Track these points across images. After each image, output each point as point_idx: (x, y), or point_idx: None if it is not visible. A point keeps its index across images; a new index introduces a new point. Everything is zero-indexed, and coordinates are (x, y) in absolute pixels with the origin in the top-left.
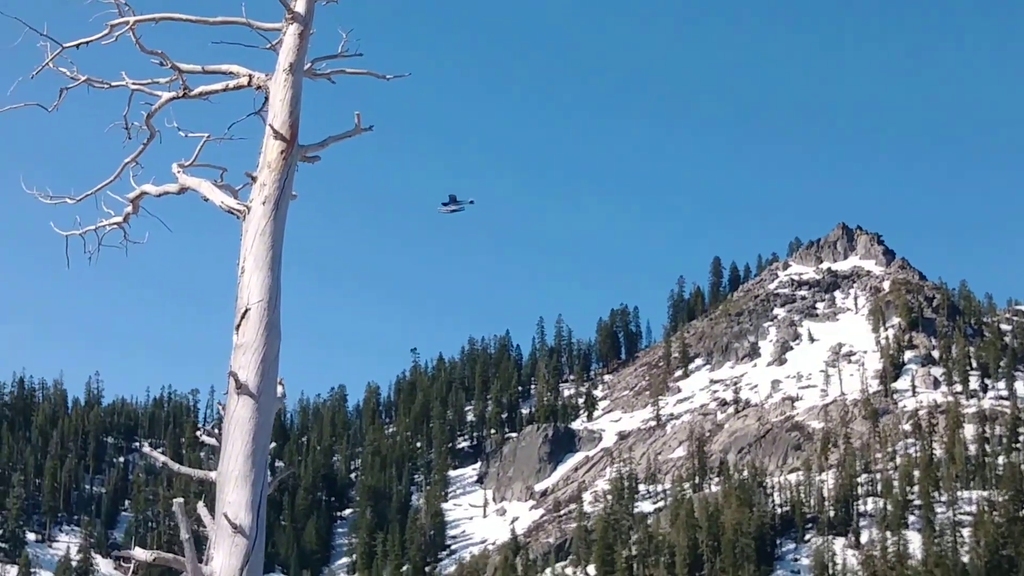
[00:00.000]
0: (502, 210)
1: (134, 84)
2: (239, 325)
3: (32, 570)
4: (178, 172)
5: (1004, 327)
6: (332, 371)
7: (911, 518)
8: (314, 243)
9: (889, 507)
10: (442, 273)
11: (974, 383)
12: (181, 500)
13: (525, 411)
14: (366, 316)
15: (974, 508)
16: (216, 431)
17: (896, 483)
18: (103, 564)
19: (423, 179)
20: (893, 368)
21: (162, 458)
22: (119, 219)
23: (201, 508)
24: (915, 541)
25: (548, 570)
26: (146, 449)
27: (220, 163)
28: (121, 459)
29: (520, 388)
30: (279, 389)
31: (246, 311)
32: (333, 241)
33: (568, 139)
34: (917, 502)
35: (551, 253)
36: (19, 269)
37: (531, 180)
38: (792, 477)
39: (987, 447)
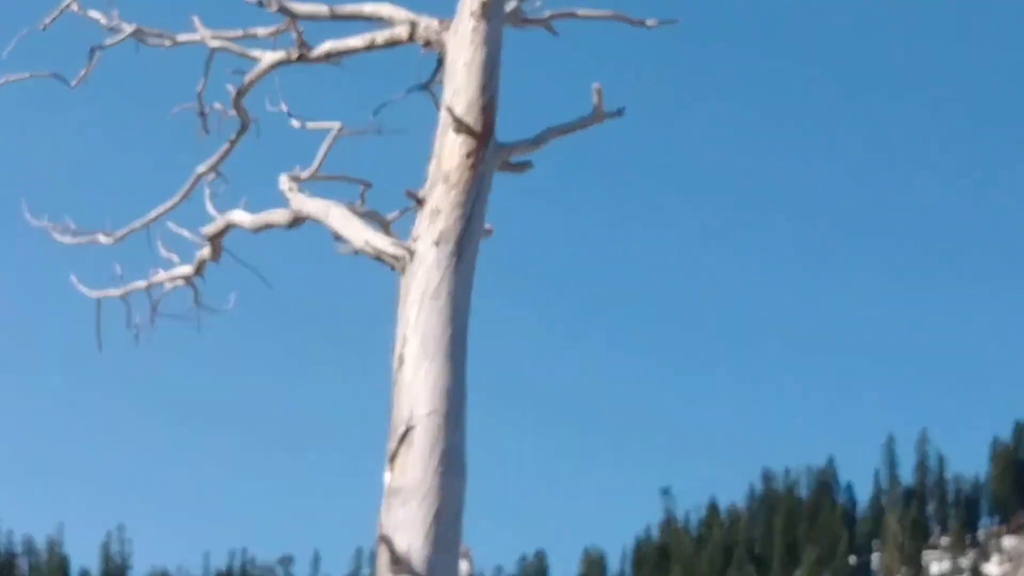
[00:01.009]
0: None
1: (215, 38)
2: (395, 455)
3: None
4: (290, 190)
5: None
6: (525, 528)
7: None
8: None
9: None
10: (717, 391)
11: None
12: None
13: None
14: (582, 444)
15: None
16: None
17: None
18: None
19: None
20: None
21: None
22: (188, 270)
23: None
24: None
25: None
26: None
27: (360, 175)
28: None
29: (855, 556)
30: (463, 566)
31: (407, 431)
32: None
33: None
34: None
35: (909, 346)
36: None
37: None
38: None
39: None
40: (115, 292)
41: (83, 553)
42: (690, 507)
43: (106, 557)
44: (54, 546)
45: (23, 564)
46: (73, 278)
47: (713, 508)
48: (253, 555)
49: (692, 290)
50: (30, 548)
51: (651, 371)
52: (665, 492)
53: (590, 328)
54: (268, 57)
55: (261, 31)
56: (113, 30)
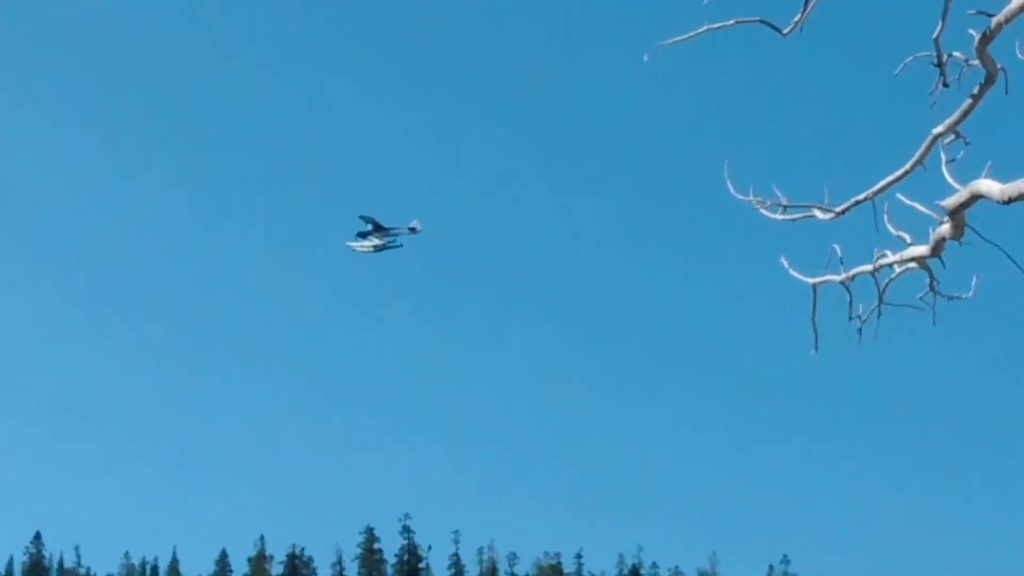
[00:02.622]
0: None
1: None
2: None
3: None
4: None
5: None
6: None
7: None
8: None
9: None
10: None
11: None
12: None
13: None
14: None
15: None
16: None
17: None
18: None
19: None
20: None
21: None
22: (923, 250)
23: None
24: None
25: None
26: None
27: None
28: None
29: None
30: None
31: None
32: None
33: None
34: None
35: None
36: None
37: None
38: None
39: None
40: (835, 277)
41: None
42: None
43: None
44: None
45: None
46: (783, 260)
47: None
48: None
49: None
50: None
51: None
52: None
53: None
54: None
55: None
56: None
